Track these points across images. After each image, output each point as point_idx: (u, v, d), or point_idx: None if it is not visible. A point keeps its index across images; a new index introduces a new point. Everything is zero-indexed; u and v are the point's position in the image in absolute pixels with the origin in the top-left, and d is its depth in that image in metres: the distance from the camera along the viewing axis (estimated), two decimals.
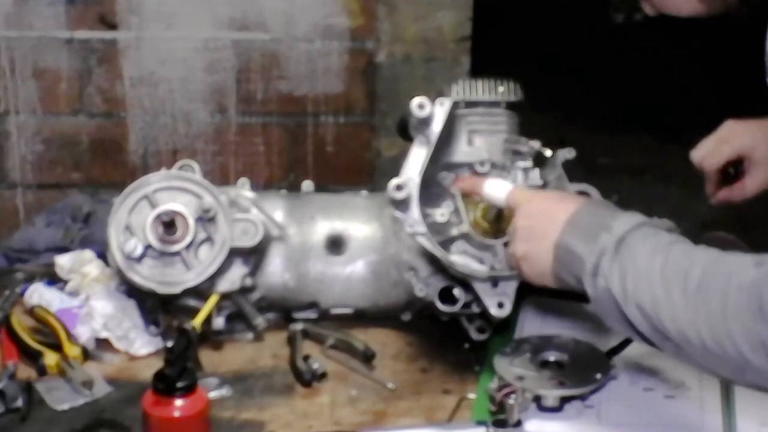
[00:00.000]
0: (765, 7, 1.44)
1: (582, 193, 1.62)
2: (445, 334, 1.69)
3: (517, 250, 1.44)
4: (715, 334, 1.21)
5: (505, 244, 1.52)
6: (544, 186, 1.60)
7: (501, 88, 1.63)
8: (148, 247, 1.61)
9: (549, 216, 1.40)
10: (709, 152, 1.74)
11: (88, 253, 1.82)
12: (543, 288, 1.60)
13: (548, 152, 1.60)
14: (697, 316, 1.23)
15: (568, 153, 1.60)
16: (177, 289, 1.62)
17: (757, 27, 1.45)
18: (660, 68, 5.02)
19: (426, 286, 1.63)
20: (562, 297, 1.76)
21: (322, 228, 1.71)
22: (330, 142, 2.78)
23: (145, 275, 1.62)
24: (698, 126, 1.92)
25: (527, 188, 1.54)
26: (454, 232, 1.57)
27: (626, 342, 1.56)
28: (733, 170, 1.67)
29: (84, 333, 1.66)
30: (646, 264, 1.29)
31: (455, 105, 1.58)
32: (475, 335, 1.66)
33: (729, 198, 1.76)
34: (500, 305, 1.56)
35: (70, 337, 1.64)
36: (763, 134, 1.69)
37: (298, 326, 1.70)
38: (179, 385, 1.37)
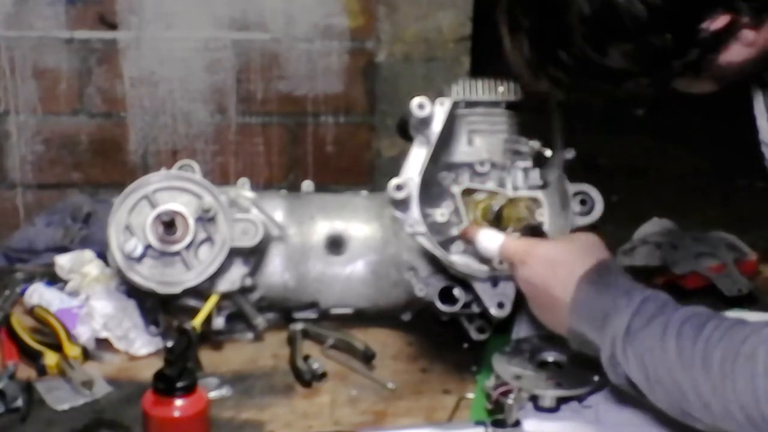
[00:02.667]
0: None
1: (581, 193, 1.62)
2: (445, 334, 1.69)
3: (531, 309, 1.47)
4: (749, 417, 1.21)
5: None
6: (544, 186, 1.60)
7: (501, 88, 1.63)
8: (148, 247, 1.61)
9: (549, 293, 1.40)
10: None
11: (88, 253, 1.82)
12: None
13: (548, 152, 1.60)
14: (726, 401, 1.23)
15: (568, 153, 1.59)
16: (177, 289, 1.62)
17: None
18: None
19: (426, 286, 1.63)
20: None
21: (322, 228, 1.71)
22: (330, 142, 2.78)
23: (145, 275, 1.62)
24: (698, 126, 1.92)
25: (514, 239, 1.49)
26: (454, 232, 1.57)
27: None
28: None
29: (84, 333, 1.66)
30: (660, 353, 1.28)
31: (455, 105, 1.58)
32: (475, 335, 1.66)
33: None
34: (500, 305, 1.56)
35: (70, 337, 1.64)
36: None
37: (298, 326, 1.70)
38: (179, 385, 1.37)
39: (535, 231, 1.54)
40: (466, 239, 1.53)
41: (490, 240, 1.49)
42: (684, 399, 1.27)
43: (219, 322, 1.66)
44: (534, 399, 1.47)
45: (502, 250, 1.47)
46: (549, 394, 1.47)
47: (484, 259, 1.56)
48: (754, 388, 1.20)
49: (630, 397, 1.50)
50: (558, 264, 1.41)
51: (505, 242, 1.48)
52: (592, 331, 1.35)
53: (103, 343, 1.67)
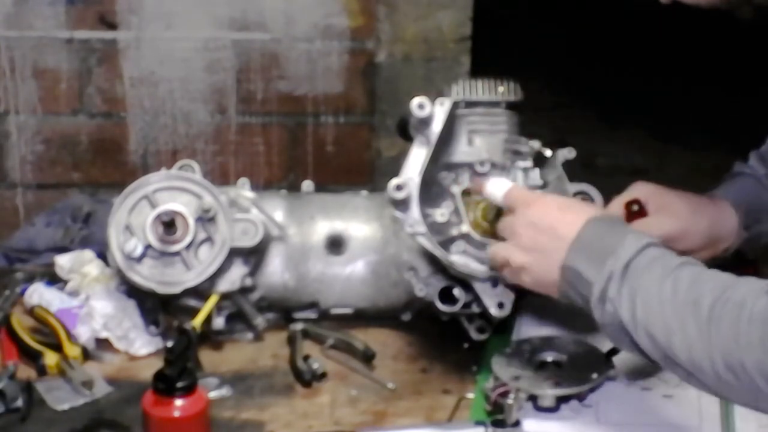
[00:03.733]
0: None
1: (581, 193, 1.63)
2: (445, 334, 1.69)
3: (515, 259, 1.43)
4: (728, 364, 1.21)
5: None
6: (544, 186, 1.60)
7: (501, 88, 1.63)
8: (148, 247, 1.61)
9: (553, 231, 1.38)
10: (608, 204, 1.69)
11: (88, 253, 1.82)
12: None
13: (548, 152, 1.60)
14: (710, 345, 1.23)
15: (568, 153, 1.60)
16: (177, 289, 1.62)
17: (761, 29, 1.45)
18: (660, 68, 5.02)
19: (426, 286, 1.63)
20: None
21: (322, 228, 1.72)
22: (330, 142, 2.78)
23: (145, 275, 1.62)
24: (698, 126, 1.92)
25: (527, 189, 1.52)
26: (454, 232, 1.57)
27: None
28: (637, 206, 1.66)
29: (84, 333, 1.66)
30: (655, 291, 1.28)
31: (455, 105, 1.58)
32: (475, 335, 1.66)
33: None
34: (500, 305, 1.56)
35: (70, 337, 1.64)
36: (668, 188, 1.67)
37: (298, 326, 1.70)
38: (179, 385, 1.37)
39: (640, 210, 1.59)
40: (476, 190, 1.53)
41: (498, 186, 1.49)
42: (668, 342, 1.26)
43: (219, 322, 1.66)
44: (534, 399, 1.47)
45: (508, 195, 1.47)
46: (548, 394, 1.47)
47: (483, 260, 1.56)
48: (737, 332, 1.20)
49: (630, 396, 1.51)
50: (570, 208, 1.41)
51: (513, 187, 1.48)
52: (590, 266, 1.33)
53: (103, 343, 1.67)
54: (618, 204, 1.65)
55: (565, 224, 1.38)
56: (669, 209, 1.63)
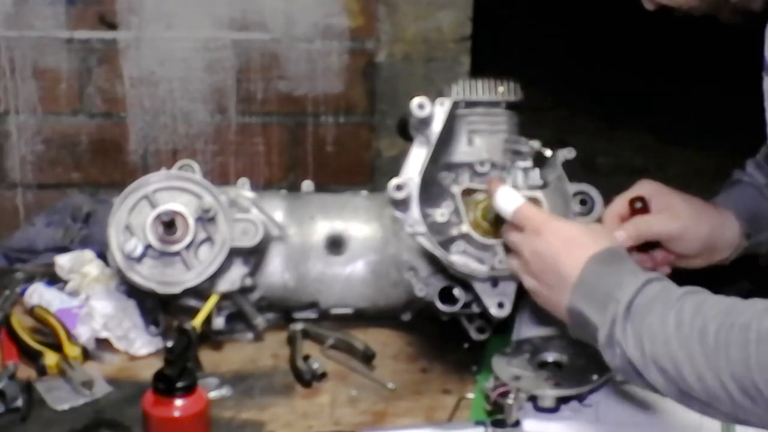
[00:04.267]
0: (756, 19, 1.45)
1: (581, 193, 1.63)
2: (445, 334, 1.69)
3: (525, 281, 1.45)
4: (742, 388, 1.21)
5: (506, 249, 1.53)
6: (544, 186, 1.60)
7: (501, 88, 1.63)
8: (148, 247, 1.61)
9: (557, 269, 1.38)
10: (612, 202, 1.68)
11: (88, 253, 1.82)
12: None
13: (548, 152, 1.60)
14: (721, 372, 1.22)
15: (568, 153, 1.59)
16: (177, 289, 1.62)
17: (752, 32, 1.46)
18: (661, 68, 5.02)
19: (426, 286, 1.63)
20: None
21: (322, 228, 1.72)
22: (330, 142, 2.78)
23: (145, 275, 1.62)
24: (698, 126, 1.92)
25: (537, 210, 1.48)
26: (454, 232, 1.57)
27: None
28: (640, 203, 1.66)
29: (84, 333, 1.66)
30: (659, 327, 1.27)
31: (455, 105, 1.58)
32: (475, 335, 1.66)
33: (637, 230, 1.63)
34: (500, 305, 1.56)
35: (70, 337, 1.64)
36: (672, 188, 1.66)
37: (298, 326, 1.70)
38: (179, 385, 1.37)
39: (643, 207, 1.59)
40: (488, 192, 1.52)
41: (507, 199, 1.47)
42: (679, 375, 1.26)
43: (219, 322, 1.66)
44: (534, 399, 1.47)
45: (517, 213, 1.46)
46: (548, 394, 1.47)
47: (484, 259, 1.56)
48: (746, 355, 1.20)
49: (630, 396, 1.51)
50: (574, 242, 1.39)
51: (523, 206, 1.46)
52: (593, 311, 1.33)
53: (103, 343, 1.67)
54: (622, 201, 1.65)
55: (569, 261, 1.38)
56: (672, 209, 1.63)
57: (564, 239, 1.40)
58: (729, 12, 1.47)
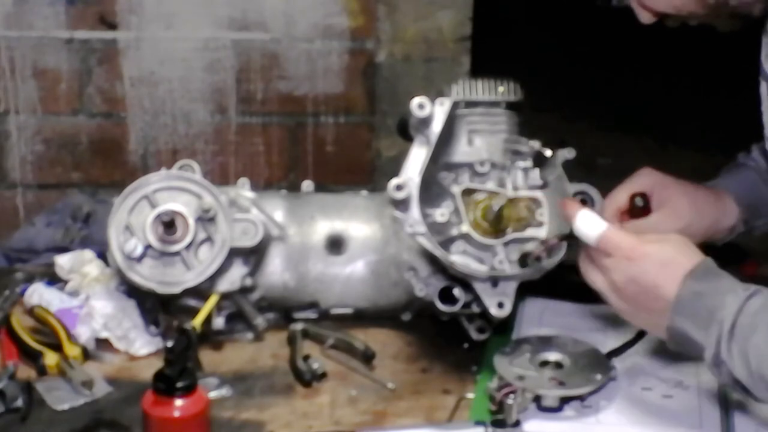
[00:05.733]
0: (747, 30, 1.45)
1: (581, 193, 1.63)
2: (445, 334, 1.69)
3: (617, 305, 1.42)
4: None
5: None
6: (544, 186, 1.60)
7: (501, 88, 1.63)
8: (148, 247, 1.61)
9: (656, 290, 1.37)
10: (612, 192, 1.67)
11: (88, 253, 1.82)
12: (542, 288, 1.60)
13: (548, 152, 1.60)
14: None
15: (568, 153, 1.59)
16: (177, 289, 1.62)
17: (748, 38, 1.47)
18: (661, 69, 5.02)
19: (426, 286, 1.63)
20: (561, 297, 1.77)
21: (322, 228, 1.71)
22: (330, 142, 2.78)
23: (145, 275, 1.62)
24: (698, 126, 1.92)
25: (623, 234, 1.42)
26: (454, 232, 1.57)
27: (627, 344, 1.56)
28: (641, 201, 1.65)
29: (84, 333, 1.66)
30: (764, 345, 1.28)
31: (455, 105, 1.58)
32: (475, 335, 1.66)
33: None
34: (500, 305, 1.56)
35: (70, 337, 1.64)
36: (673, 179, 1.65)
37: (298, 326, 1.70)
38: (179, 385, 1.37)
39: (645, 205, 1.57)
40: (564, 214, 1.46)
41: (589, 224, 1.42)
42: None
43: (219, 322, 1.66)
44: (537, 399, 1.47)
45: (604, 240, 1.41)
46: (552, 394, 1.47)
47: (484, 259, 1.56)
48: None
49: (630, 397, 1.51)
50: (670, 265, 1.37)
51: (608, 233, 1.41)
52: (697, 330, 1.33)
53: (103, 343, 1.67)
54: (623, 194, 1.64)
55: (667, 284, 1.36)
56: (673, 207, 1.63)
57: (659, 263, 1.38)
58: (728, 17, 1.47)
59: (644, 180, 1.66)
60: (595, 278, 1.44)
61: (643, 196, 1.64)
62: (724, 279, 1.36)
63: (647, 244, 1.40)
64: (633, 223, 1.62)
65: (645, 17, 1.52)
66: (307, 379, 1.58)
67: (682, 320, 1.35)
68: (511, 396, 1.44)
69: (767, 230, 1.75)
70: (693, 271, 1.36)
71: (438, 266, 1.61)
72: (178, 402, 1.37)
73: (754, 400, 1.34)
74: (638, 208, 1.63)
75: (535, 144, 1.60)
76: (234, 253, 1.63)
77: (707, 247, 1.47)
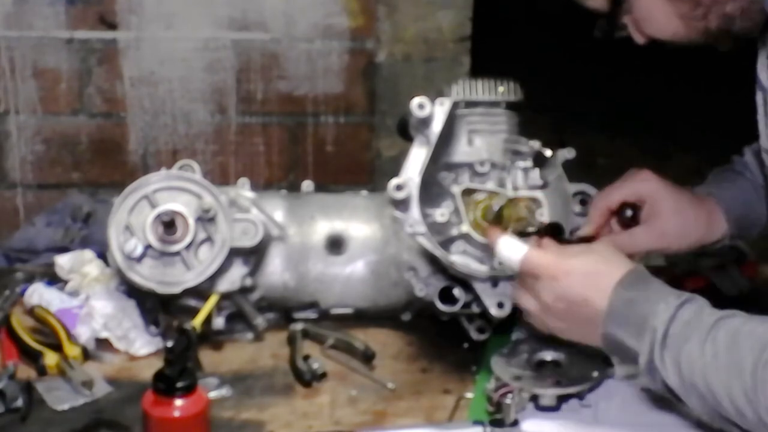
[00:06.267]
0: (747, 45, 1.45)
1: (581, 193, 1.63)
2: (445, 334, 1.69)
3: (551, 324, 1.43)
4: None
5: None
6: (544, 186, 1.60)
7: (501, 88, 1.63)
8: (148, 247, 1.61)
9: (586, 302, 1.37)
10: (608, 188, 1.64)
11: (88, 253, 1.82)
12: None
13: (548, 152, 1.60)
14: (762, 410, 1.23)
15: (568, 153, 1.59)
16: (177, 289, 1.62)
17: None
18: (660, 69, 5.02)
19: (426, 286, 1.63)
20: None
21: (322, 228, 1.71)
22: (330, 142, 2.78)
23: (145, 275, 1.62)
24: (698, 126, 1.92)
25: (543, 254, 1.43)
26: (454, 232, 1.57)
27: None
28: (630, 212, 1.65)
29: (84, 333, 1.66)
30: (696, 355, 1.28)
31: (455, 105, 1.58)
32: (475, 335, 1.66)
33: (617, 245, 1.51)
34: (500, 305, 1.56)
35: (70, 337, 1.64)
36: (670, 190, 1.63)
37: (298, 326, 1.70)
38: (179, 385, 1.37)
39: (555, 229, 1.52)
40: (487, 243, 1.48)
41: (510, 250, 1.43)
42: (719, 405, 1.27)
43: (219, 322, 1.66)
44: (534, 398, 1.47)
45: (525, 263, 1.41)
46: (549, 393, 1.47)
47: (483, 259, 1.56)
48: None
49: (629, 396, 1.51)
50: (595, 275, 1.38)
51: (529, 255, 1.41)
52: (630, 338, 1.34)
53: (103, 343, 1.67)
54: (616, 197, 1.62)
55: (596, 294, 1.36)
56: (659, 225, 1.60)
57: (583, 275, 1.38)
58: (729, 40, 1.47)
59: (641, 186, 1.63)
60: (527, 303, 1.44)
61: (633, 207, 1.62)
62: (656, 286, 1.36)
63: (569, 259, 1.40)
64: (615, 237, 1.61)
65: (639, 39, 1.52)
66: (307, 379, 1.58)
67: (615, 328, 1.35)
68: (509, 396, 1.44)
69: (755, 238, 1.74)
70: (623, 280, 1.36)
71: (438, 266, 1.61)
72: (178, 402, 1.37)
73: (688, 408, 1.34)
74: (625, 221, 1.63)
75: (535, 144, 1.60)
76: (234, 253, 1.63)
77: None
